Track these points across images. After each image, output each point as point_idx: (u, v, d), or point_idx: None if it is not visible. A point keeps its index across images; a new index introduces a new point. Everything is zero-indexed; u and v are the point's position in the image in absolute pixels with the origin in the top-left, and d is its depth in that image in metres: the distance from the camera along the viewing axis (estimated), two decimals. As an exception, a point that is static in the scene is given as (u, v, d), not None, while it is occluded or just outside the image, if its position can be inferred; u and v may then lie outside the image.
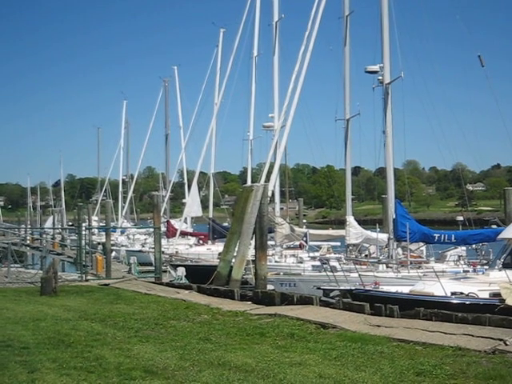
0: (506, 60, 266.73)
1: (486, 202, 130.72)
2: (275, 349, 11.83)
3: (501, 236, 23.97)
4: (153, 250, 34.52)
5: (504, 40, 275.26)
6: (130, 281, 26.66)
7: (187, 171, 72.12)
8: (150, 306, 17.92)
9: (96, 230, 60.11)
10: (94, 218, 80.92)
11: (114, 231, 61.74)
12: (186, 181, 69.12)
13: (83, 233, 34.26)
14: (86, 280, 27.49)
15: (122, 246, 55.28)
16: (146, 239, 56.72)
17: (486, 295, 19.97)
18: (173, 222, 56.67)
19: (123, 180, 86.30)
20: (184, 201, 63.59)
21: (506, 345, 11.71)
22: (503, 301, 18.16)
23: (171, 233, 51.74)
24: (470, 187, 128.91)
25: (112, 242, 44.64)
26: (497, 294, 18.96)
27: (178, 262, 36.95)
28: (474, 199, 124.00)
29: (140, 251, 46.95)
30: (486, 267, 25.87)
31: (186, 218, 55.33)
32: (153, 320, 15.22)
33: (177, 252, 43.14)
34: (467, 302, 19.31)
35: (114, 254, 45.40)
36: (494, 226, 32.16)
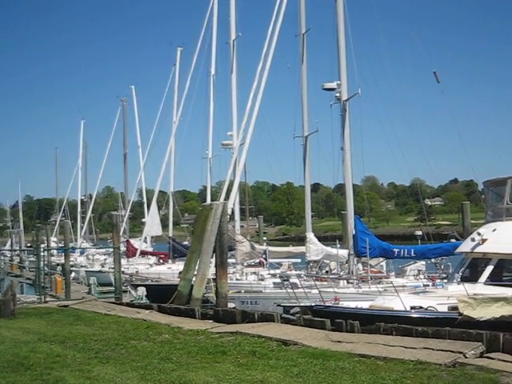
0: (461, 78, 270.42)
1: (444, 217, 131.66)
2: (237, 367, 11.80)
3: (458, 250, 24.22)
4: (112, 270, 34.27)
5: (460, 59, 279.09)
6: (89, 302, 26.39)
7: (146, 190, 72.03)
8: (110, 327, 17.76)
9: (55, 251, 59.53)
10: (53, 238, 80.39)
11: (73, 252, 61.02)
12: (145, 200, 68.93)
13: (42, 254, 33.85)
14: (45, 302, 27.15)
15: (82, 266, 54.75)
16: (105, 259, 56.21)
17: (444, 309, 20.13)
18: (132, 241, 56.31)
19: (82, 200, 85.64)
20: (143, 220, 63.27)
21: (466, 357, 11.82)
22: (461, 314, 18.32)
23: (131, 252, 51.45)
24: (428, 202, 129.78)
25: (71, 263, 44.29)
26: (455, 308, 19.14)
27: (139, 282, 36.71)
28: (433, 214, 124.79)
29: (100, 271, 46.51)
30: (446, 281, 26.09)
31: (145, 238, 55.08)
32: (113, 340, 15.08)
33: (137, 272, 42.84)
34: (427, 316, 19.46)
35: (73, 274, 45.03)
36: (453, 240, 32.52)
